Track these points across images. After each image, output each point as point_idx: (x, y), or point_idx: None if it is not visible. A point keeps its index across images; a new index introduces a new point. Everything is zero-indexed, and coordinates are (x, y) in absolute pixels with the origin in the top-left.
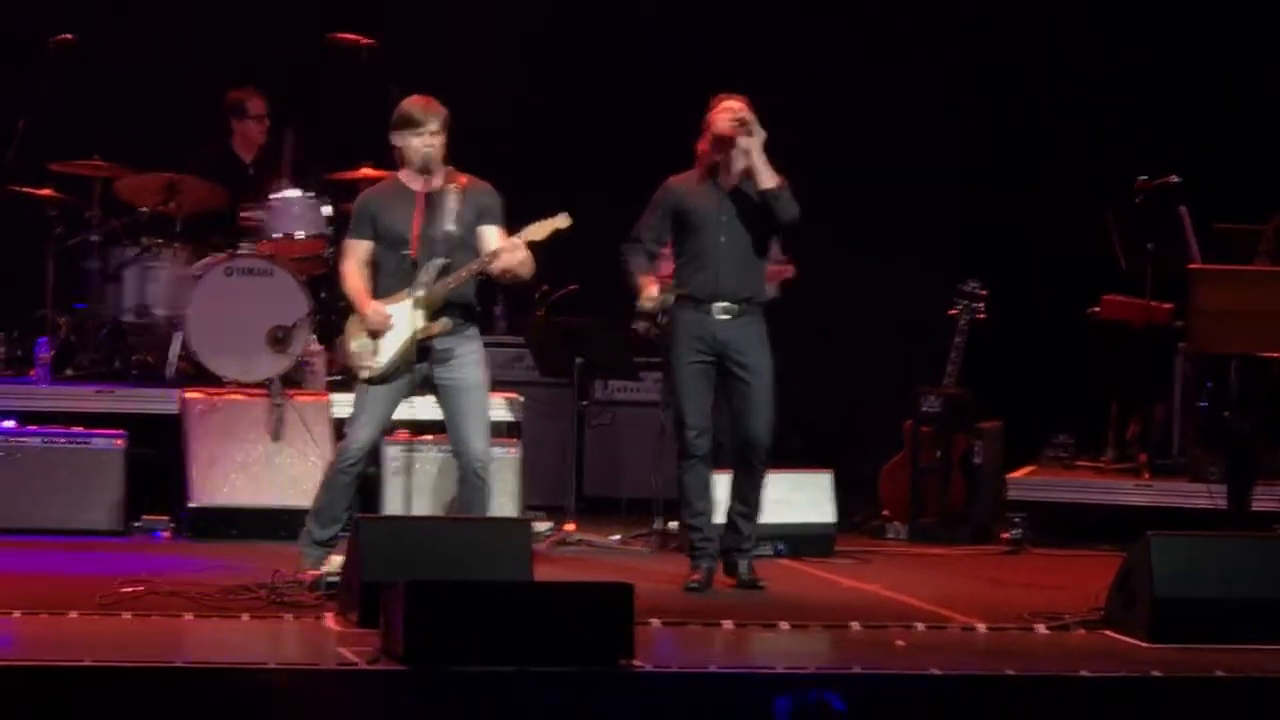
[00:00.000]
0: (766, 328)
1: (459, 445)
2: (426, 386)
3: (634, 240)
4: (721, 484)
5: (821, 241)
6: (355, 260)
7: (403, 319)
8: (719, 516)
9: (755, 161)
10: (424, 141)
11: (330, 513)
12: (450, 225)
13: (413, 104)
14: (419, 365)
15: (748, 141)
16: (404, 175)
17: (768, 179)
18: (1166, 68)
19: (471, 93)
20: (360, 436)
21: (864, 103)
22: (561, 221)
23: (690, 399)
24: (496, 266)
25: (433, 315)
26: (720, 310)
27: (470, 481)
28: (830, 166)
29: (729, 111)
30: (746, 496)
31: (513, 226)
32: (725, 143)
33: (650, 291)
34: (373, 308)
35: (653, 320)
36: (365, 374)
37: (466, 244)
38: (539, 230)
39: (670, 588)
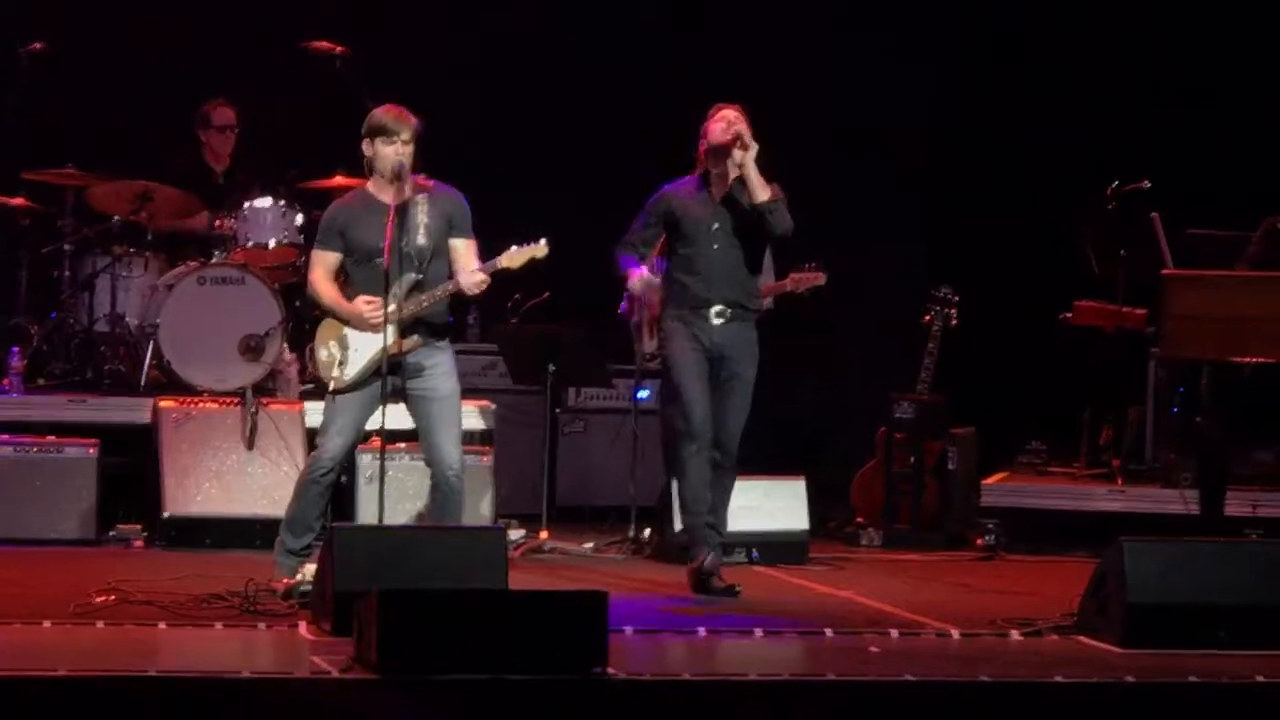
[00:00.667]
0: (757, 335)
1: (431, 453)
2: (398, 396)
3: (626, 243)
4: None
5: (794, 246)
6: (324, 270)
7: (371, 333)
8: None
9: (749, 173)
10: (395, 150)
11: (303, 522)
12: (421, 239)
13: (385, 112)
14: (390, 377)
15: (742, 154)
16: (373, 185)
17: (761, 192)
18: (1138, 75)
19: (443, 96)
20: (331, 446)
21: (839, 106)
22: (539, 251)
23: (693, 387)
24: (456, 291)
25: (403, 331)
26: (715, 314)
27: (443, 489)
28: (803, 170)
29: (724, 121)
30: (714, 501)
31: (486, 238)
32: (720, 152)
33: (642, 273)
34: (361, 309)
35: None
36: (332, 384)
37: (439, 253)
38: (516, 258)
39: (644, 595)
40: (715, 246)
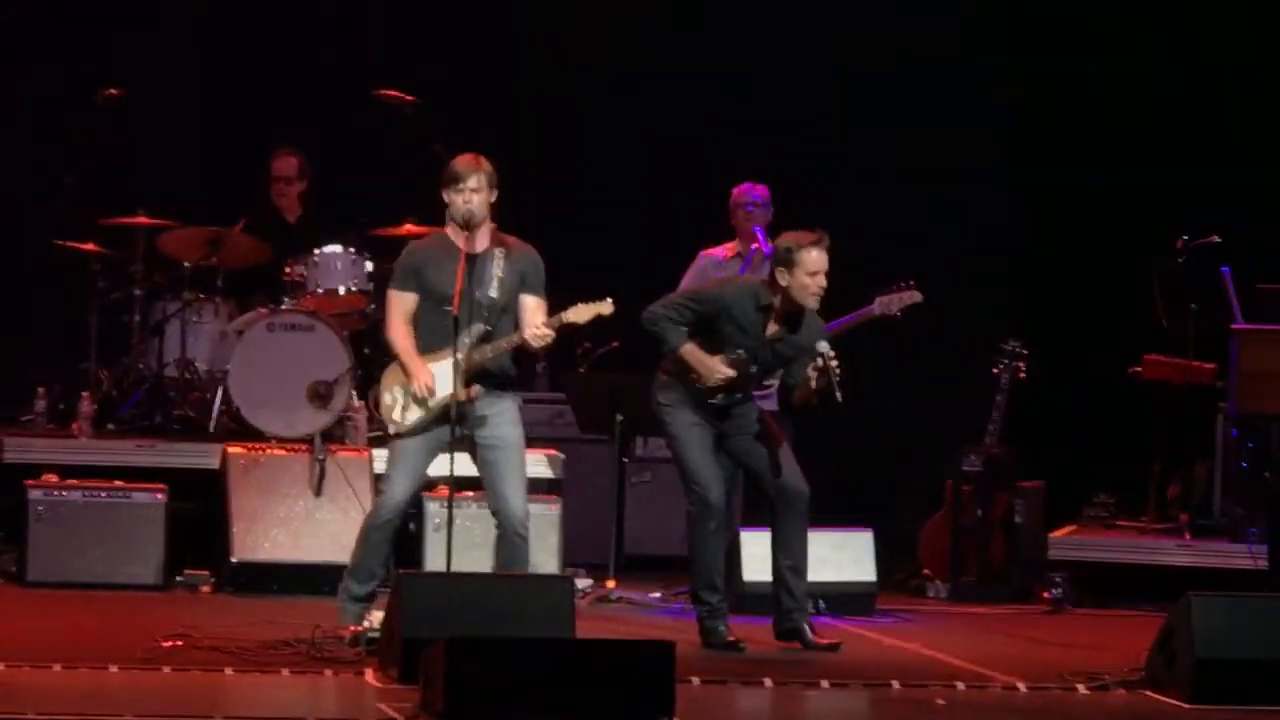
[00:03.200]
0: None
1: (498, 503)
2: (462, 445)
3: (668, 318)
4: (760, 543)
5: (862, 299)
6: (402, 315)
7: (441, 378)
8: (764, 573)
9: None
10: (464, 198)
11: (367, 568)
12: (494, 292)
13: (458, 160)
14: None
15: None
16: (450, 231)
17: (806, 396)
18: (1208, 129)
19: (516, 145)
20: (396, 492)
21: (910, 156)
22: (605, 308)
23: (701, 458)
24: (521, 344)
25: (468, 381)
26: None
27: (510, 539)
28: (872, 221)
29: (817, 286)
30: (793, 552)
31: (554, 288)
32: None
33: (720, 368)
34: (424, 377)
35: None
36: (393, 429)
37: (509, 309)
38: (582, 313)
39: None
40: (753, 369)
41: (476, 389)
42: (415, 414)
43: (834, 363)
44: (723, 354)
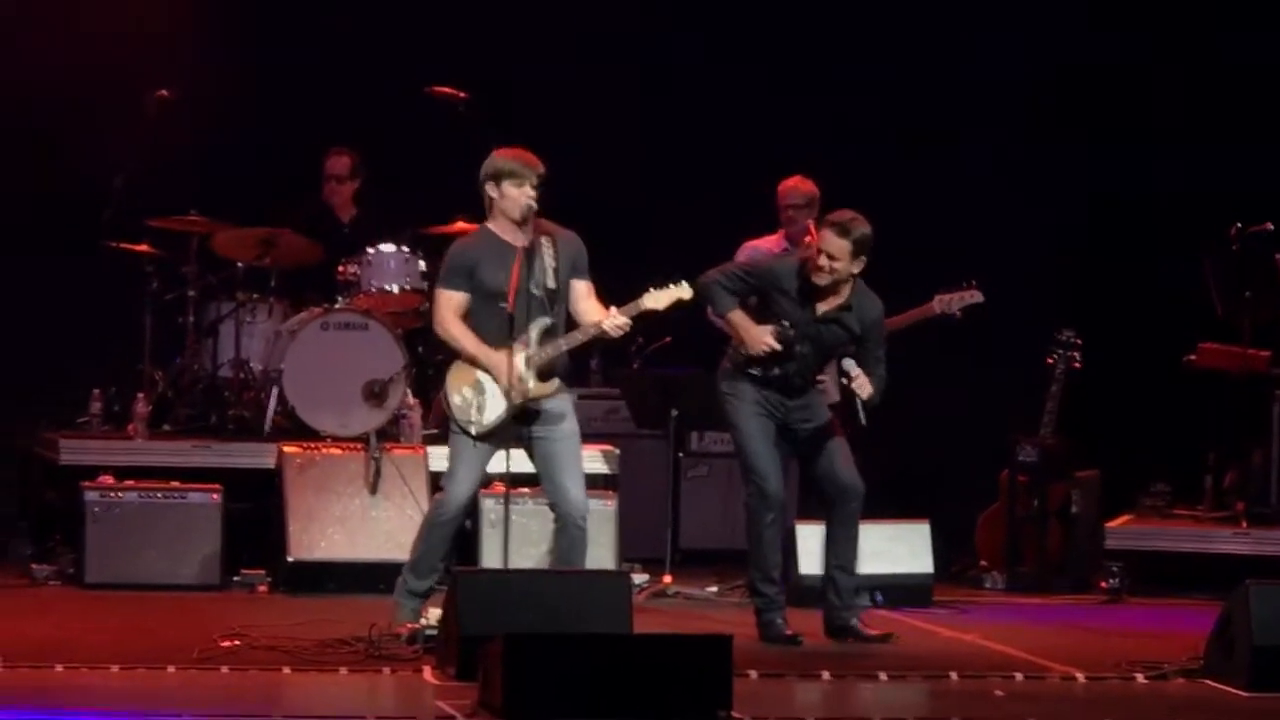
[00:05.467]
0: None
1: (557, 495)
2: (519, 441)
3: (720, 283)
4: (815, 536)
5: (917, 290)
6: (454, 312)
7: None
8: (820, 566)
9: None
10: (524, 194)
11: (428, 564)
12: (550, 282)
13: (514, 156)
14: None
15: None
16: (495, 226)
17: (867, 390)
18: (1262, 116)
19: (566, 136)
20: (460, 490)
21: (967, 149)
22: (684, 292)
23: (762, 448)
24: (599, 334)
25: (541, 375)
26: (786, 398)
27: (570, 531)
28: (924, 214)
29: (826, 265)
30: (842, 551)
31: (606, 277)
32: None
33: (764, 337)
34: (507, 367)
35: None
36: (474, 430)
37: (562, 297)
38: (660, 299)
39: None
40: (801, 348)
41: (554, 383)
42: (494, 412)
43: (856, 381)
44: (771, 325)
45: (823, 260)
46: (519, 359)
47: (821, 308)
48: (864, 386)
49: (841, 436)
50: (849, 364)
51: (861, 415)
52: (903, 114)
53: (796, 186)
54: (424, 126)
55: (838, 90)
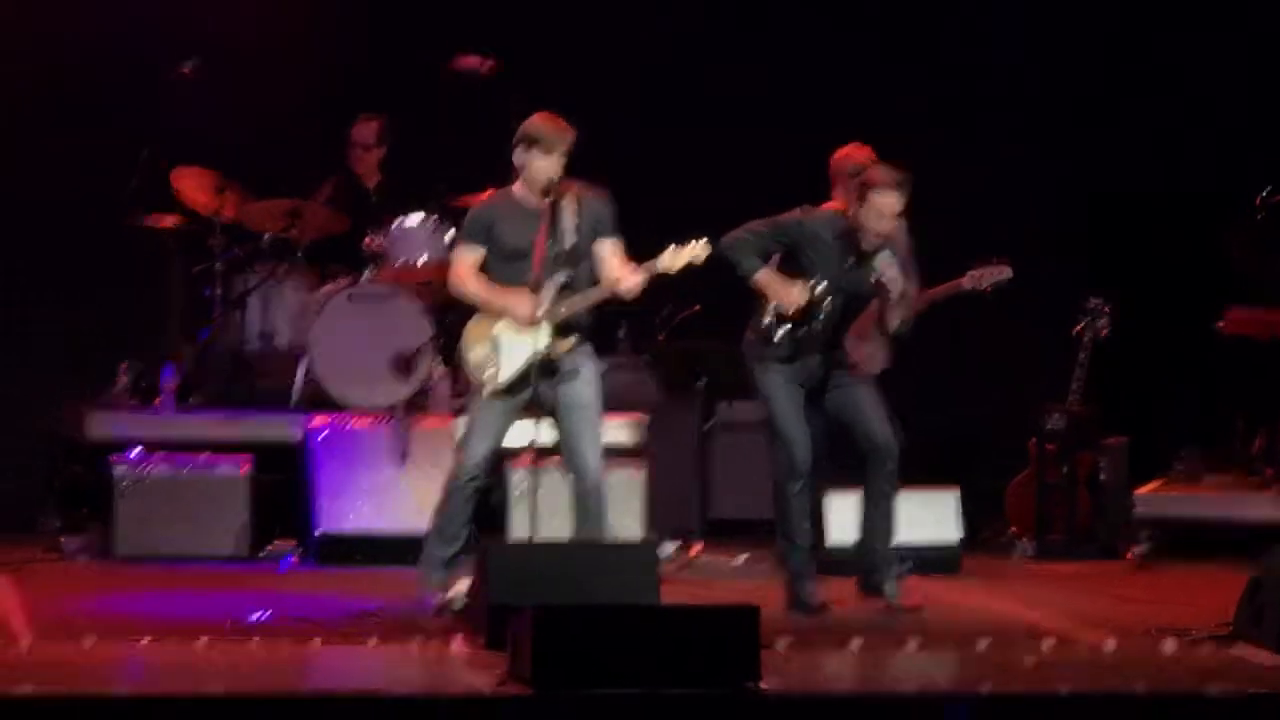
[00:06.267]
0: None
1: (573, 460)
2: (540, 404)
3: (745, 241)
4: (845, 506)
5: (946, 259)
6: (468, 267)
7: (525, 334)
8: (849, 535)
9: (887, 310)
10: (551, 164)
11: (450, 530)
12: (570, 240)
13: (544, 123)
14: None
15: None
16: (518, 190)
17: (893, 324)
18: None
19: (592, 97)
20: (475, 452)
21: (989, 117)
22: (699, 251)
23: (790, 417)
24: (613, 292)
25: (559, 332)
26: (814, 360)
27: (587, 498)
28: (951, 182)
29: (885, 228)
30: (881, 509)
31: (633, 238)
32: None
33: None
34: (524, 303)
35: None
36: (489, 387)
37: (585, 255)
38: (675, 259)
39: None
40: (832, 300)
41: (570, 339)
42: (510, 368)
43: (888, 275)
44: (802, 281)
45: (878, 224)
46: (541, 303)
47: (852, 258)
48: (895, 281)
49: (876, 397)
50: (883, 258)
51: (893, 315)
52: (931, 82)
53: (851, 154)
54: (451, 96)
55: (866, 56)
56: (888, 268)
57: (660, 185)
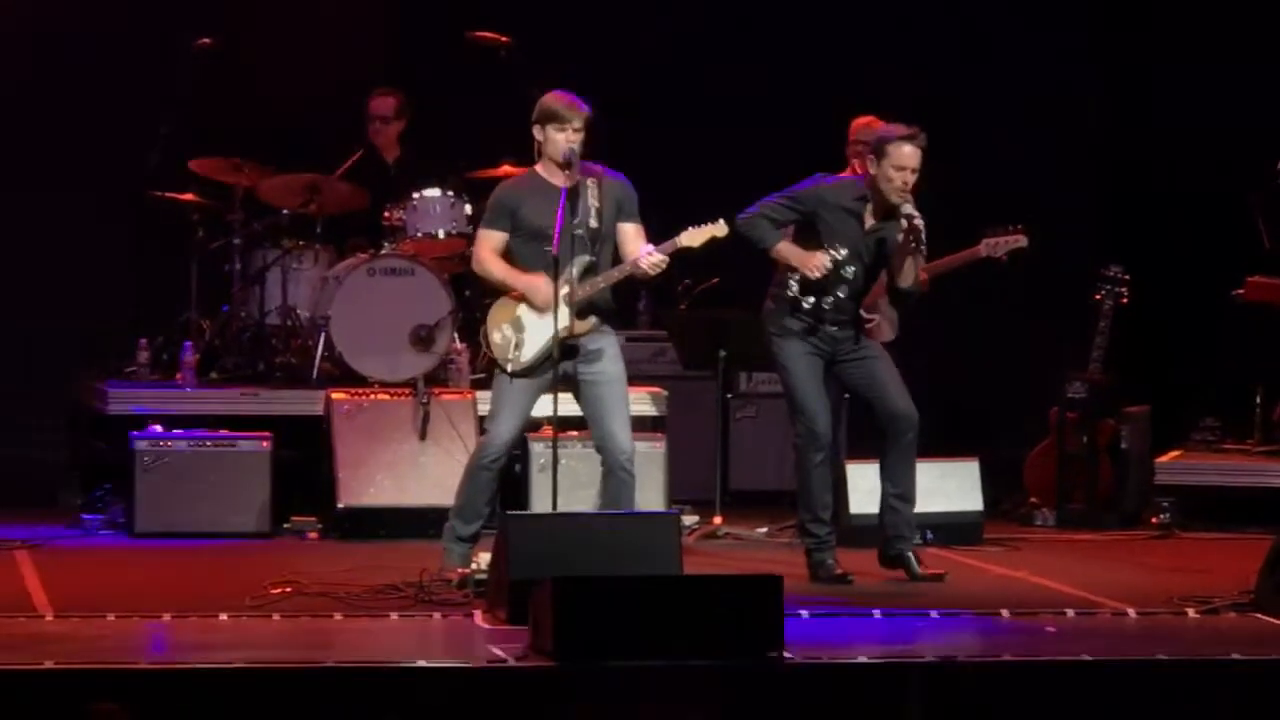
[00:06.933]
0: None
1: (604, 439)
2: (566, 382)
3: (763, 216)
4: (866, 476)
5: (962, 229)
6: (491, 249)
7: (546, 315)
8: (871, 506)
9: (907, 262)
10: (567, 137)
11: (473, 508)
12: (592, 222)
13: (558, 99)
14: (563, 363)
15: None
16: (541, 169)
17: (909, 279)
18: None
19: (613, 79)
20: (501, 431)
21: (1006, 87)
22: (719, 230)
23: (810, 388)
24: (635, 272)
25: (579, 313)
26: (834, 330)
27: (616, 474)
28: (969, 151)
29: (902, 181)
30: (900, 480)
31: (653, 219)
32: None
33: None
34: (542, 287)
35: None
36: (510, 367)
37: (607, 238)
38: (696, 237)
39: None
40: (851, 268)
41: (592, 320)
42: (532, 349)
43: (918, 222)
44: (822, 250)
45: (898, 176)
46: (562, 288)
47: (870, 222)
48: (922, 227)
49: (892, 368)
50: (908, 209)
51: (907, 275)
52: (947, 52)
53: (870, 125)
54: (468, 71)
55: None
56: (914, 215)
57: (660, 185)
